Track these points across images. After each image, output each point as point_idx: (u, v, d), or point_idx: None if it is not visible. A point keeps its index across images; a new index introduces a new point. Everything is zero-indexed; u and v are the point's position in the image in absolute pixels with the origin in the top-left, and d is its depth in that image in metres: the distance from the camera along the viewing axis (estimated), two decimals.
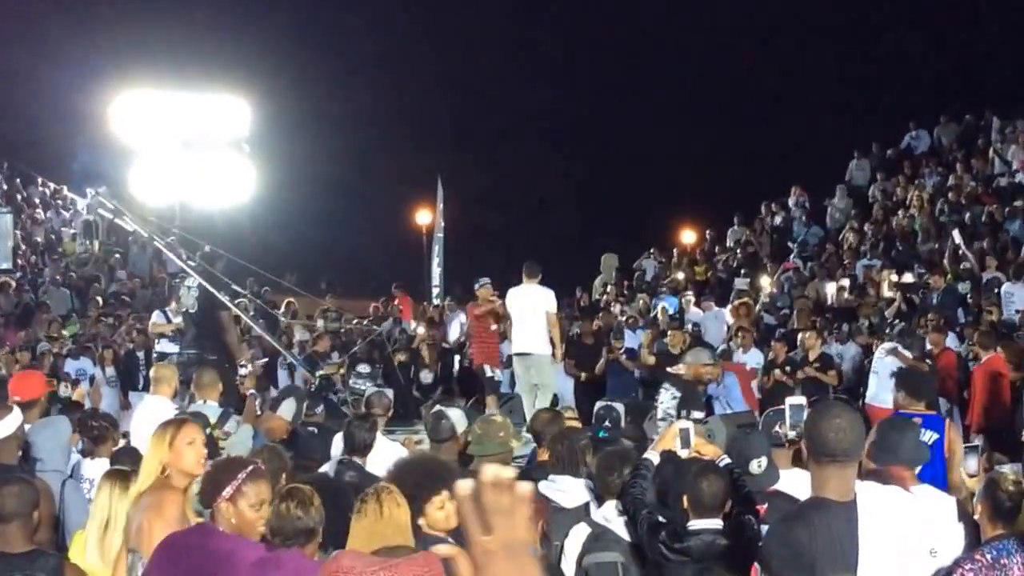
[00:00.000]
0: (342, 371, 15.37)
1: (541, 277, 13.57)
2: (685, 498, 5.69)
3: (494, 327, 14.76)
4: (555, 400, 13.12)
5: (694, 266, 24.55)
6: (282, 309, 19.85)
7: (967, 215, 22.31)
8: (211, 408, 8.87)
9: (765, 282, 21.62)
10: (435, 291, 27.05)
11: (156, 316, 16.37)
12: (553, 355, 13.59)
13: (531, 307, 13.21)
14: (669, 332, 16.98)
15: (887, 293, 18.89)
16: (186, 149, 20.22)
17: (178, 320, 15.65)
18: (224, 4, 34.93)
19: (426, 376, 17.38)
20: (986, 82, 28.74)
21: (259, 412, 9.69)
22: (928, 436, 7.98)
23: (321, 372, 14.99)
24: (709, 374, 10.82)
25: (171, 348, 15.34)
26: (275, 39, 33.66)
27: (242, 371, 9.88)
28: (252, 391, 8.82)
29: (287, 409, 9.25)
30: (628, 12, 36.10)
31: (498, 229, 32.90)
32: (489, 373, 14.43)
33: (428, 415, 8.35)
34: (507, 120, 36.55)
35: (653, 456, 6.20)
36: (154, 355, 15.86)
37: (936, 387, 9.96)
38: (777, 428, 6.70)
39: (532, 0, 37.46)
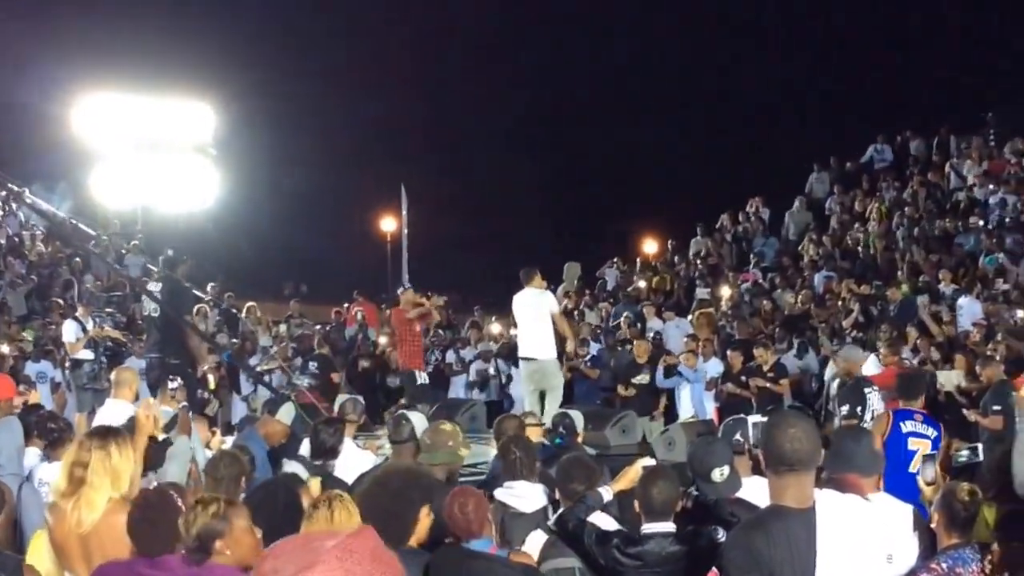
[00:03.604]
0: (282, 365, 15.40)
1: (540, 279, 13.64)
2: (636, 502, 5.74)
3: (418, 330, 14.88)
4: (551, 404, 13.16)
5: (655, 276, 24.67)
6: (244, 314, 19.80)
7: (915, 229, 22.63)
8: (164, 412, 8.83)
9: (726, 292, 21.78)
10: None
11: (68, 324, 16.25)
12: (564, 356, 13.64)
13: (534, 312, 13.23)
14: (634, 342, 17.12)
15: (846, 305, 19.09)
16: (149, 153, 20.19)
17: (91, 326, 15.69)
18: (190, 8, 34.82)
19: (392, 381, 17.42)
20: (942, 99, 29.08)
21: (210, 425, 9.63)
22: (931, 432, 8.13)
23: (264, 367, 15.02)
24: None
25: (88, 355, 15.37)
26: (241, 45, 33.57)
27: (172, 384, 9.79)
28: (184, 404, 8.76)
29: (285, 413, 9.22)
30: (594, 25, 36.27)
31: (461, 237, 32.94)
32: (419, 380, 14.50)
33: (390, 418, 8.40)
34: (472, 129, 36.63)
35: (606, 492, 6.22)
36: (68, 363, 15.82)
37: (926, 387, 10.09)
38: (738, 436, 6.76)
39: (501, 8, 37.50)
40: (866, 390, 10.33)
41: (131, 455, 5.43)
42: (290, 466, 7.59)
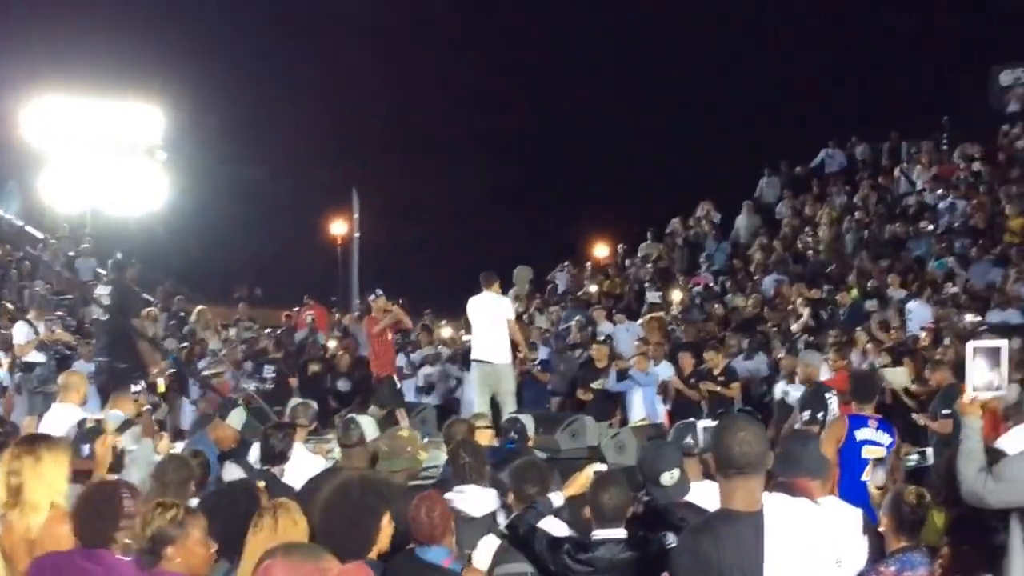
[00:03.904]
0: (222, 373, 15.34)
1: (498, 285, 13.67)
2: (587, 508, 5.73)
3: (391, 337, 14.84)
4: (505, 407, 13.15)
5: (606, 280, 24.71)
6: (194, 317, 19.65)
7: (866, 234, 22.84)
8: (115, 416, 8.73)
9: (676, 296, 21.85)
10: (355, 301, 26.97)
11: (18, 327, 16.07)
12: (517, 359, 13.72)
13: (491, 316, 13.26)
14: (594, 347, 17.12)
15: (796, 309, 19.20)
16: (98, 155, 20.00)
17: (42, 329, 15.53)
18: (140, 10, 34.51)
19: (343, 385, 17.34)
20: (893, 104, 29.37)
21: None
22: (885, 439, 8.16)
23: (211, 371, 14.89)
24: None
25: (40, 358, 15.22)
26: (191, 46, 33.32)
27: (135, 388, 9.68)
28: (148, 407, 8.66)
29: (236, 417, 9.14)
30: (544, 29, 36.30)
31: (413, 241, 32.87)
32: (392, 386, 14.48)
33: (340, 422, 8.34)
34: (423, 132, 36.57)
35: (557, 498, 6.21)
36: (18, 365, 15.65)
37: (879, 390, 10.15)
38: (688, 439, 6.76)
39: (454, 9, 37.47)
40: (827, 395, 10.40)
41: (64, 459, 5.38)
42: (232, 470, 7.52)
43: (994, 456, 5.26)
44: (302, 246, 33.25)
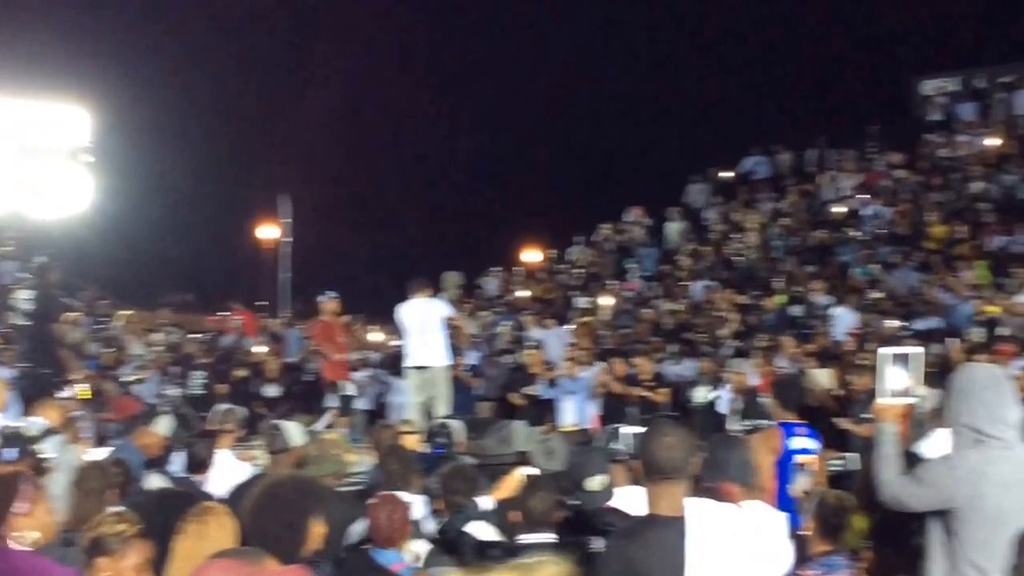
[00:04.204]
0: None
1: (429, 291, 13.63)
2: (515, 512, 5.73)
3: (341, 339, 14.71)
4: (442, 411, 13.11)
5: (536, 285, 24.74)
6: (118, 323, 19.38)
7: (792, 240, 23.11)
8: (35, 423, 8.58)
9: (606, 301, 21.92)
10: (281, 306, 26.78)
11: None
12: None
13: (428, 320, 13.23)
14: (525, 353, 17.14)
15: (724, 314, 19.35)
16: (22, 157, 19.63)
17: None
18: (66, 10, 33.98)
19: (271, 390, 17.17)
20: (818, 112, 29.73)
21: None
22: (815, 446, 8.21)
23: (134, 376, 14.73)
24: None
25: None
26: (119, 47, 32.89)
27: (64, 393, 9.54)
28: (77, 412, 8.53)
29: (163, 424, 9.00)
30: (469, 34, 36.30)
31: (343, 245, 32.68)
32: (345, 391, 14.36)
33: (265, 428, 8.26)
34: (354, 137, 36.38)
35: (486, 501, 6.20)
36: None
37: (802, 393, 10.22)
38: (615, 445, 6.78)
39: (377, 15, 37.32)
40: (764, 404, 10.47)
41: None
42: (153, 480, 7.42)
43: (912, 460, 5.33)
44: (230, 251, 32.93)
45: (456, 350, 14.00)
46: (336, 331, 14.58)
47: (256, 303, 25.85)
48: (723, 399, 14.03)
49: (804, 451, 8.00)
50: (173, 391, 16.22)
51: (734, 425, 12.58)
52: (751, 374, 14.15)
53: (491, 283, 25.39)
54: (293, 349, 19.46)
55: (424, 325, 13.25)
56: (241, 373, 17.27)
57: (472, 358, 17.71)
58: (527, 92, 34.96)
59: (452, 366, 13.86)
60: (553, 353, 17.85)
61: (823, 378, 14.10)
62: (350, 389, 14.68)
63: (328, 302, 14.85)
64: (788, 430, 8.10)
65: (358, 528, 6.07)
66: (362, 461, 9.01)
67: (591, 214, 27.96)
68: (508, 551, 5.58)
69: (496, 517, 6.22)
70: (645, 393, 14.97)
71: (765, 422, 9.58)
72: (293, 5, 36.88)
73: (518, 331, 19.77)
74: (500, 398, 16.57)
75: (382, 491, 6.62)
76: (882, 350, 5.51)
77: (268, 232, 31.58)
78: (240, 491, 6.81)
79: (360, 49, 36.26)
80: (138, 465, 8.27)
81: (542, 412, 15.63)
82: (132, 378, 15.99)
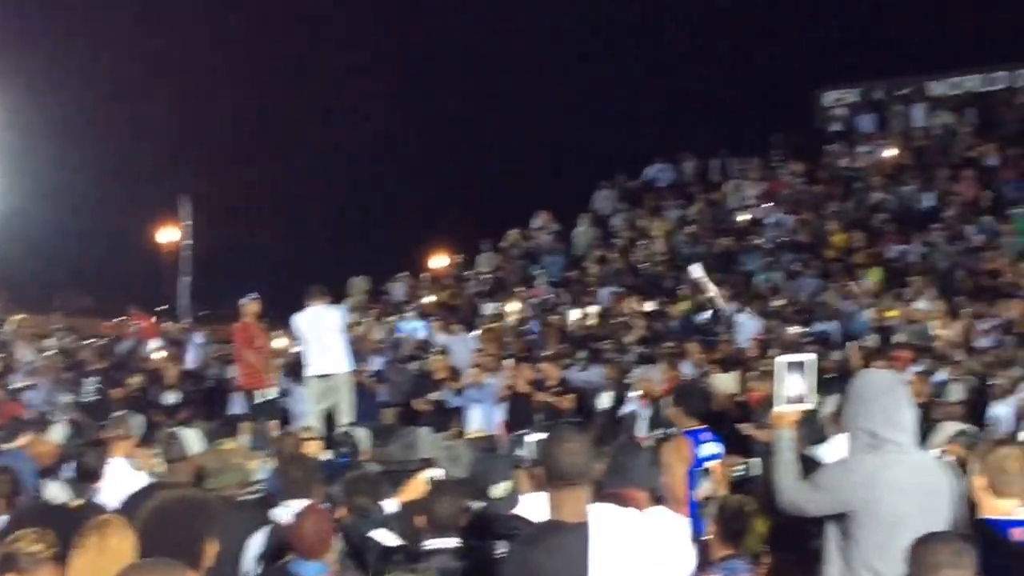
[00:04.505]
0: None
1: (327, 297, 13.47)
2: (420, 517, 5.68)
3: (261, 344, 14.45)
4: (345, 417, 12.95)
5: (443, 290, 24.64)
6: (10, 327, 18.89)
7: (698, 247, 23.33)
8: None
9: (513, 307, 21.90)
10: (182, 310, 26.37)
11: None
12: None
13: (328, 327, 13.07)
14: (431, 358, 17.03)
15: (630, 320, 19.43)
16: None
17: None
18: None
19: (169, 397, 16.85)
20: (721, 120, 30.06)
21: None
22: (721, 450, 8.23)
23: (24, 383, 14.40)
24: None
25: None
26: (13, 46, 32.10)
27: None
28: None
29: (57, 432, 8.76)
30: (378, 34, 36.09)
31: (246, 250, 32.27)
32: (263, 398, 14.12)
33: (163, 435, 8.08)
34: (258, 140, 35.96)
35: (391, 504, 6.14)
36: None
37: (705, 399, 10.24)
38: (520, 451, 6.76)
39: (289, 21, 36.98)
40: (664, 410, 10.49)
41: None
42: (51, 488, 7.23)
43: (810, 465, 5.37)
44: (129, 253, 32.29)
45: (360, 356, 13.88)
46: (257, 335, 14.31)
47: (155, 307, 25.45)
48: (632, 407, 14.06)
49: (714, 457, 8.04)
50: (65, 398, 15.82)
51: (644, 433, 12.61)
52: (659, 381, 14.21)
53: (398, 289, 25.24)
54: (193, 355, 19.12)
55: (322, 332, 13.10)
56: (139, 379, 16.91)
57: (377, 364, 17.59)
58: (435, 96, 34.89)
59: (354, 372, 13.74)
60: (459, 359, 17.78)
61: (726, 383, 14.20)
62: (271, 393, 14.43)
63: (249, 304, 14.58)
64: (695, 437, 8.13)
65: (258, 539, 5.96)
66: (263, 468, 8.88)
67: (498, 220, 27.95)
68: (412, 556, 5.56)
69: (401, 521, 6.16)
70: (551, 399, 14.94)
71: (675, 430, 9.62)
72: (194, 5, 36.37)
73: (425, 337, 19.67)
74: (405, 404, 16.44)
75: (284, 499, 6.52)
76: (779, 358, 5.56)
77: (168, 235, 31.07)
78: (134, 501, 6.64)
79: (263, 47, 35.86)
80: (31, 474, 8.06)
81: (447, 418, 15.53)
82: (21, 384, 15.58)
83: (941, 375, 13.96)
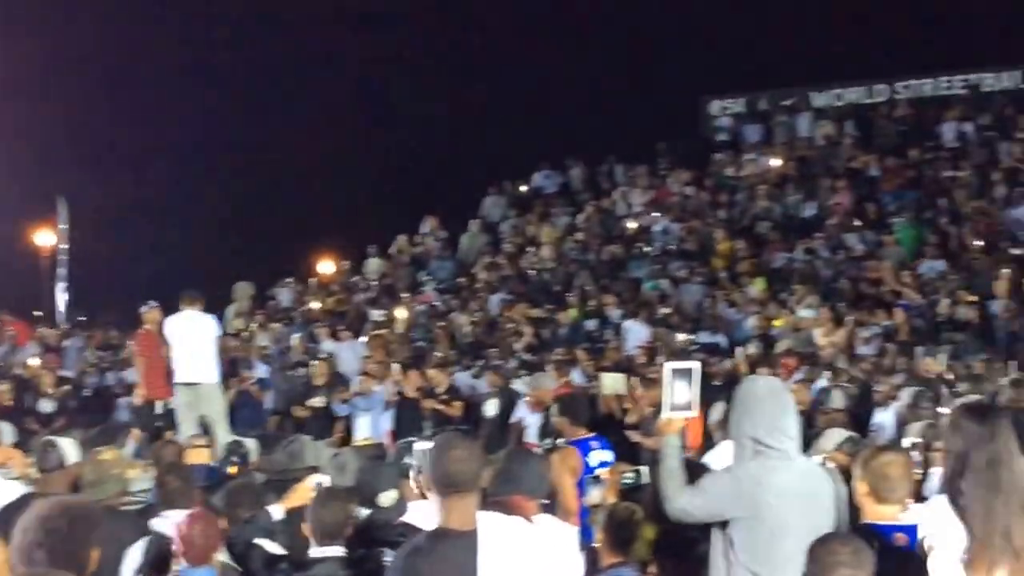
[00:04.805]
0: None
1: (201, 304, 13.18)
2: (306, 525, 5.60)
3: (162, 354, 14.12)
4: (219, 429, 12.69)
5: (330, 296, 24.40)
6: None
7: (586, 255, 23.48)
8: None
9: (401, 314, 21.78)
10: (59, 315, 25.72)
11: None
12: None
13: (197, 335, 12.80)
14: (312, 364, 16.84)
15: (518, 327, 19.45)
16: None
17: None
18: None
19: (45, 405, 16.39)
20: (610, 127, 30.27)
21: None
22: (611, 457, 8.20)
23: None
24: None
25: None
26: None
27: None
28: None
29: None
30: (266, 43, 35.64)
31: (127, 253, 31.59)
32: (165, 408, 13.79)
33: (38, 444, 7.84)
34: (140, 141, 35.22)
35: (276, 511, 6.05)
36: None
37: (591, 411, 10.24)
38: (407, 459, 6.70)
39: (171, 16, 36.32)
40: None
41: None
42: None
43: (697, 471, 5.39)
44: (3, 257, 31.31)
45: (245, 363, 13.66)
46: (159, 343, 13.93)
47: (31, 312, 24.76)
48: (521, 414, 14.04)
49: (604, 464, 8.03)
50: None
51: (534, 441, 12.60)
52: (549, 389, 14.22)
53: (284, 294, 24.95)
54: (71, 362, 18.66)
55: (192, 340, 12.84)
56: (12, 387, 16.40)
57: (262, 371, 17.36)
58: (322, 99, 34.57)
59: (239, 379, 13.50)
60: (347, 366, 17.63)
61: (613, 382, 14.21)
62: (172, 403, 14.11)
63: (150, 312, 14.22)
64: (583, 446, 8.11)
65: (137, 550, 5.82)
66: (144, 477, 8.68)
67: (386, 225, 27.79)
68: (297, 565, 5.50)
69: (287, 529, 6.08)
70: (439, 406, 14.86)
71: (563, 440, 9.61)
72: (73, 5, 35.49)
73: (311, 343, 19.47)
74: (289, 411, 16.25)
75: (162, 509, 6.36)
76: (666, 365, 5.59)
77: (45, 238, 30.23)
78: (7, 513, 6.42)
79: (145, 48, 35.21)
80: None
81: (327, 424, 15.38)
82: None
83: (822, 382, 14.22)
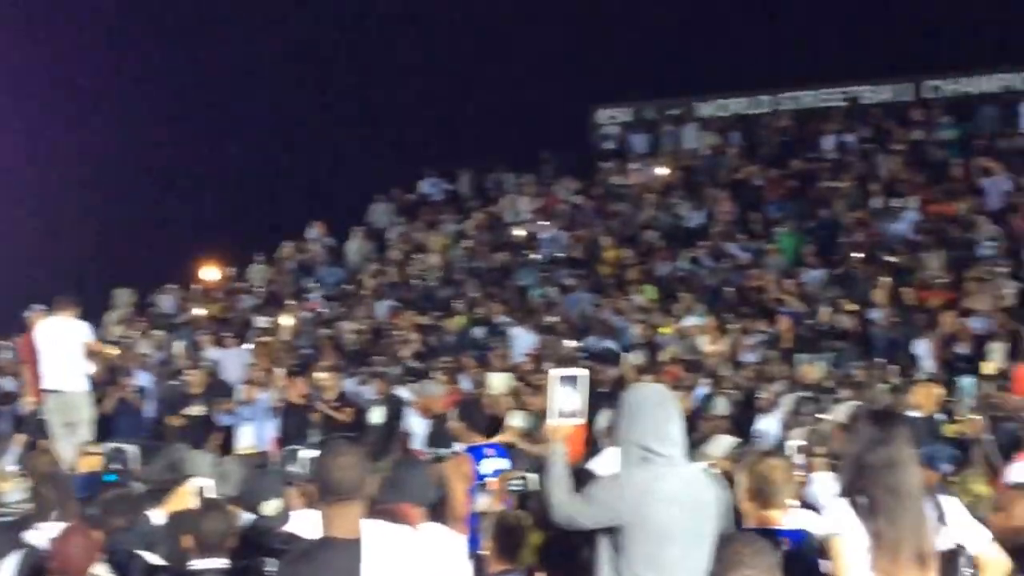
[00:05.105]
0: None
1: (74, 310, 12.86)
2: (187, 537, 5.50)
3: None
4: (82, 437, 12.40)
5: (214, 303, 24.03)
6: None
7: (474, 262, 23.50)
8: None
9: (286, 321, 21.56)
10: None
11: None
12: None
13: (66, 341, 12.49)
14: (191, 372, 16.58)
15: (405, 335, 19.37)
16: None
17: None
18: None
19: None
20: (498, 134, 30.29)
21: None
22: (506, 464, 8.16)
23: None
24: None
25: None
26: None
27: None
28: None
29: None
30: (155, 37, 34.98)
31: (2, 255, 30.63)
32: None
33: None
34: (17, 139, 34.21)
35: (157, 516, 5.94)
36: None
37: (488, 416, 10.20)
38: (292, 467, 6.64)
39: (46, 17, 35.35)
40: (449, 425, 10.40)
41: None
42: None
43: (583, 477, 5.41)
44: None
45: (124, 371, 13.37)
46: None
47: None
48: (409, 422, 13.99)
49: (497, 472, 8.01)
50: None
51: (421, 448, 12.57)
52: (437, 396, 14.19)
53: (166, 301, 24.51)
54: None
55: (61, 346, 12.57)
56: None
57: (143, 379, 17.05)
58: (205, 102, 33.98)
59: (117, 387, 13.22)
60: (231, 374, 17.40)
61: (500, 383, 14.22)
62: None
63: (36, 315, 13.87)
64: (478, 453, 8.10)
65: (10, 562, 5.68)
66: (18, 488, 8.47)
67: (272, 231, 27.45)
68: None
69: (168, 540, 5.98)
70: (329, 412, 14.71)
71: (456, 447, 9.57)
72: None
73: (194, 351, 19.15)
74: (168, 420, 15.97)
75: (37, 520, 6.21)
76: (552, 372, 5.60)
77: None
78: None
79: (18, 48, 34.25)
80: None
81: (204, 433, 15.15)
82: None
83: (703, 389, 14.42)
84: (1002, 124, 22.85)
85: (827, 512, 4.76)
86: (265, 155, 33.36)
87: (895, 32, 27.23)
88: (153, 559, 5.76)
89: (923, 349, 15.15)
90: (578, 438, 9.01)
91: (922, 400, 11.19)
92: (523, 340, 18.17)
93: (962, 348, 14.83)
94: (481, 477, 7.84)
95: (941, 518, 4.55)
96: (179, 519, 5.99)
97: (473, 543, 6.44)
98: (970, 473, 8.06)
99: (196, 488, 6.13)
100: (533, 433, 9.87)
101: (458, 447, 8.79)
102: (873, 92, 26.51)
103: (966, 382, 13.65)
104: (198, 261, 27.55)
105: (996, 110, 23.30)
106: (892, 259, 18.42)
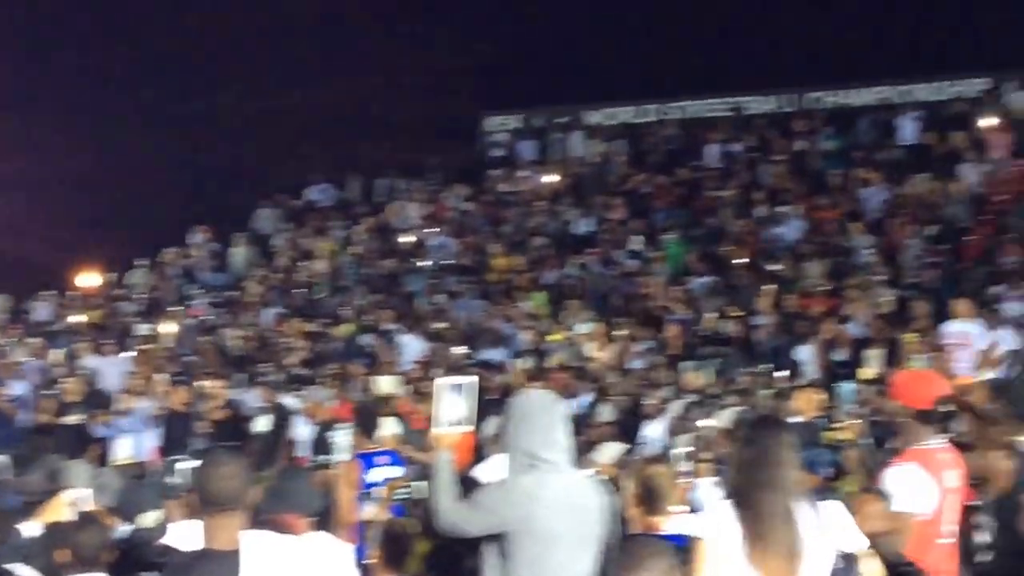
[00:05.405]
0: None
1: None
2: (62, 552, 5.35)
3: None
4: None
5: (93, 310, 23.50)
6: None
7: (362, 269, 23.35)
8: None
9: (168, 328, 21.17)
10: None
11: None
12: None
13: None
14: (66, 380, 16.21)
15: (292, 342, 19.17)
16: None
17: None
18: None
19: None
20: (387, 142, 30.20)
21: None
22: (398, 472, 8.08)
23: None
24: None
25: None
26: None
27: None
28: None
29: None
30: (62, 39, 34.10)
31: None
32: None
33: None
34: None
35: (30, 527, 5.78)
36: None
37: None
38: (171, 478, 6.51)
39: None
40: (332, 433, 10.32)
41: None
42: None
43: (469, 484, 5.40)
44: None
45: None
46: None
47: None
48: (295, 430, 13.82)
49: (387, 480, 7.94)
50: None
51: (307, 456, 12.42)
52: (324, 404, 14.04)
53: (42, 308, 23.88)
54: None
55: None
56: None
57: (19, 388, 16.61)
58: (89, 103, 33.25)
59: None
60: (111, 382, 17.04)
61: (387, 385, 14.14)
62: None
63: None
64: (368, 461, 8.03)
65: None
66: None
67: (154, 236, 26.92)
68: None
69: (44, 550, 5.77)
70: (215, 417, 14.43)
71: (342, 456, 9.47)
72: None
73: (72, 359, 18.70)
74: (43, 430, 15.52)
75: None
76: (439, 380, 5.60)
77: None
78: None
79: None
80: None
81: (83, 444, 14.75)
82: None
83: (586, 396, 14.47)
84: (880, 135, 23.36)
85: (708, 515, 4.80)
86: (147, 157, 32.74)
87: (779, 45, 27.77)
88: (28, 573, 5.59)
89: (805, 355, 15.38)
90: (466, 445, 8.99)
91: (803, 405, 11.35)
92: (412, 347, 18.09)
93: (841, 354, 15.08)
94: (368, 485, 7.77)
95: (819, 520, 4.60)
96: (54, 532, 5.81)
97: (360, 552, 6.38)
98: (847, 478, 8.22)
99: (71, 499, 5.94)
100: (409, 440, 9.86)
101: (346, 456, 8.73)
102: (757, 103, 26.97)
103: (845, 388, 13.88)
104: (77, 266, 26.88)
105: (874, 122, 23.82)
106: (773, 267, 18.69)
